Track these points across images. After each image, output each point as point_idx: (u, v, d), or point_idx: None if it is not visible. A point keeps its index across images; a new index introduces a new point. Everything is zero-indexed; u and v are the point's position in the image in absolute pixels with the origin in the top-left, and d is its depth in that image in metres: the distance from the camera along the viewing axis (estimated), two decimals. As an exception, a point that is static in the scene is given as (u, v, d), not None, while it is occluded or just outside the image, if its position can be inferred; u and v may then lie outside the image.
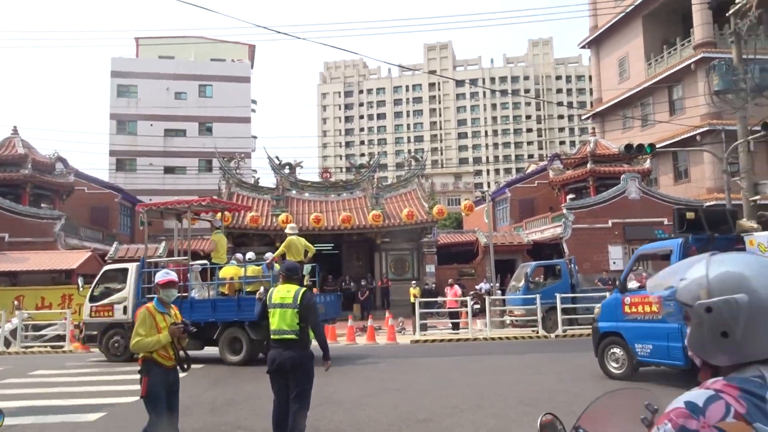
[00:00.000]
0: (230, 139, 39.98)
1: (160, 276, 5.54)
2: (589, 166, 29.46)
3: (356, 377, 10.51)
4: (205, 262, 15.51)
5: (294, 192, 28.90)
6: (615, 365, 9.70)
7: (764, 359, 1.25)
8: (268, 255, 13.65)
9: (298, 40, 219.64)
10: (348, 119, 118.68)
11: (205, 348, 13.23)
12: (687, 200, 27.94)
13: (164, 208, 15.35)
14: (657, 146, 22.05)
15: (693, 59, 30.64)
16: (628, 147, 19.29)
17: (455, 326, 18.41)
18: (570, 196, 29.56)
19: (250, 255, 14.32)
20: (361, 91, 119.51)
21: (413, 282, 25.28)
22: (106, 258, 25.75)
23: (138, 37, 52.25)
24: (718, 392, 1.21)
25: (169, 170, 42.79)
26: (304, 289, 5.62)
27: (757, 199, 18.41)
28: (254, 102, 51.48)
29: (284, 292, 5.65)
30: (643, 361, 9.31)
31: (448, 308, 19.14)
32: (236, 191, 28.18)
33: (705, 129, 28.87)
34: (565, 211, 27.34)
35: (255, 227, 24.52)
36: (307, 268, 14.37)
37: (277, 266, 13.60)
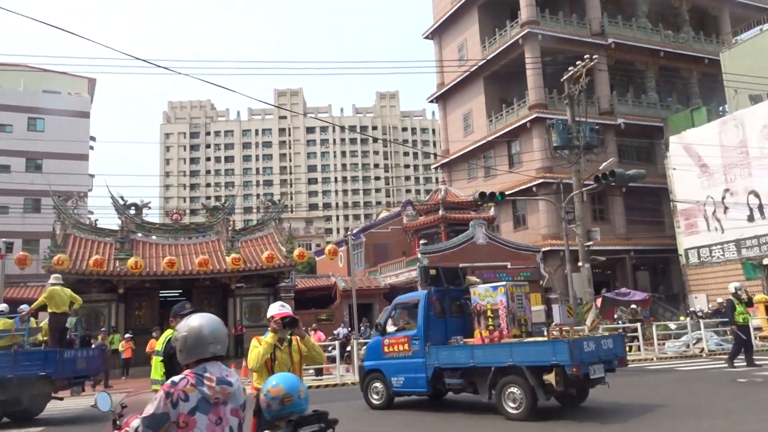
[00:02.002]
0: (64, 177, 36.37)
1: None
2: (440, 212, 31.02)
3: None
4: None
5: (140, 234, 26.94)
6: (376, 397, 11.45)
7: (204, 359, 2.82)
8: (24, 307, 12.40)
9: (141, 77, 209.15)
10: (194, 161, 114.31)
11: None
12: (526, 246, 30.42)
13: None
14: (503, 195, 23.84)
15: (528, 118, 33.96)
16: (482, 195, 20.68)
17: (318, 372, 18.03)
18: (423, 241, 30.78)
19: (2, 307, 12.69)
20: (208, 133, 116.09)
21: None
22: None
23: (-47, 60, 46.35)
24: (186, 375, 2.76)
25: (-13, 209, 37.80)
26: (172, 334, 5.08)
27: (590, 244, 20.52)
28: (93, 139, 47.68)
29: (161, 339, 5.18)
30: (398, 392, 11.13)
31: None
32: (73, 233, 25.60)
33: (540, 181, 31.89)
34: (419, 255, 28.35)
35: (98, 271, 22.33)
36: (70, 321, 13.59)
37: (33, 320, 12.49)
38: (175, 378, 2.72)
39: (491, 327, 10.11)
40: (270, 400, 3.09)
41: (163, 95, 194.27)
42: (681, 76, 39.38)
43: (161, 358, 5.01)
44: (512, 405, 9.24)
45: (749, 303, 14.74)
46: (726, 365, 14.42)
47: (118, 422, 3.20)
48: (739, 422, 7.98)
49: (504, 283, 10.87)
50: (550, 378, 8.77)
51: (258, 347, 4.74)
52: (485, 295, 10.35)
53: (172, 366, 4.95)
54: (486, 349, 9.65)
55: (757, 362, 14.44)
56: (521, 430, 8.50)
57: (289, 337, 4.89)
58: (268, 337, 4.76)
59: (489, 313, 10.22)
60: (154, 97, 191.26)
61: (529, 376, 9.05)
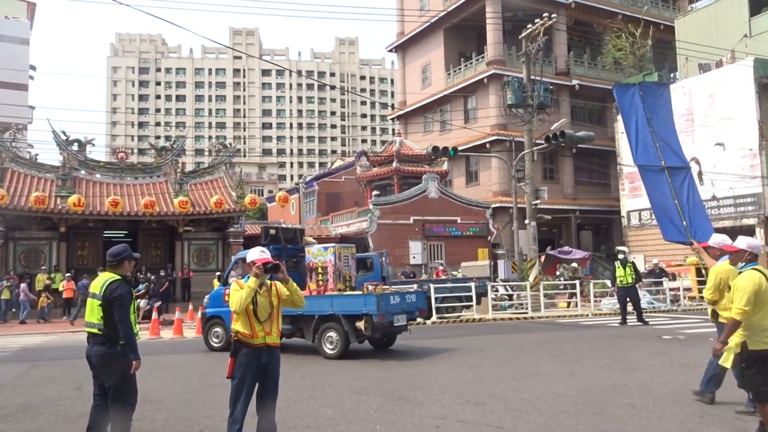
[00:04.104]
0: (1, 108, 34.49)
1: None
2: (394, 164, 31.03)
3: (171, 373, 9.80)
4: None
5: (83, 172, 25.94)
6: (216, 340, 12.76)
7: None
8: None
9: (84, 4, 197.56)
10: (142, 98, 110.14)
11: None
12: (477, 202, 30.89)
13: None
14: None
15: (485, 74, 33.93)
16: (435, 149, 20.74)
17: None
18: (375, 192, 30.84)
19: None
20: (158, 69, 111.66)
21: (217, 273, 24.33)
22: None
23: None
24: None
25: None
26: (112, 278, 5.00)
27: (538, 203, 21.00)
28: (33, 68, 45.16)
29: (97, 281, 5.09)
30: None
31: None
32: (11, 167, 24.45)
33: (494, 138, 32.16)
34: (371, 206, 28.46)
35: (39, 209, 21.53)
36: None
37: None
38: None
39: (320, 282, 11.66)
40: None
41: (111, 26, 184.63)
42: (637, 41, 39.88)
43: (99, 302, 4.92)
44: (330, 346, 10.94)
45: (634, 267, 15.83)
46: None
47: None
48: (658, 375, 8.50)
49: (333, 245, 12.37)
50: (361, 324, 10.57)
51: (239, 291, 4.76)
52: (317, 254, 11.84)
53: (110, 310, 4.90)
54: (312, 300, 10.93)
55: (632, 322, 15.47)
56: (335, 365, 10.21)
57: (268, 281, 4.93)
58: (250, 282, 4.77)
59: (320, 270, 11.72)
60: (101, 28, 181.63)
61: (344, 323, 10.73)
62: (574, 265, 24.61)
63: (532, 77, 21.18)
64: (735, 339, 5.15)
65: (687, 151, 28.83)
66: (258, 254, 4.94)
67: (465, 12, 36.17)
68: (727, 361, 5.29)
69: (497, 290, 20.84)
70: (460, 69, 37.42)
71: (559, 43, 35.68)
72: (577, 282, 20.79)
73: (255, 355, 4.78)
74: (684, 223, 12.94)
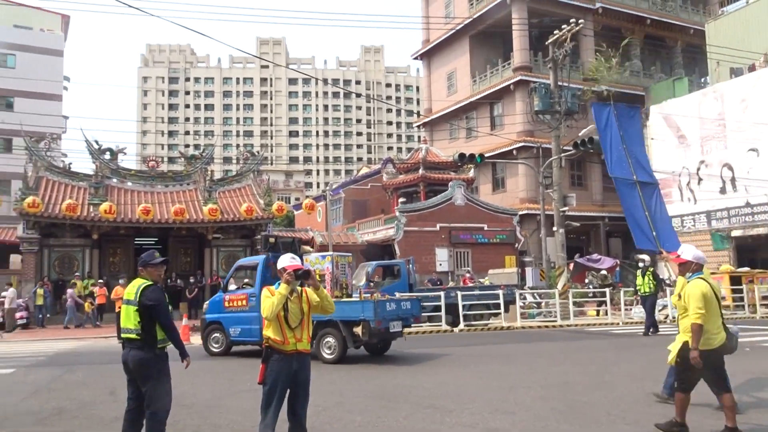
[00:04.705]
0: (37, 117, 35.39)
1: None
2: (420, 171, 31.01)
3: (204, 378, 9.92)
4: None
5: (115, 180, 26.48)
6: (216, 345, 13.02)
7: None
8: None
9: (117, 17, 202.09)
10: (172, 107, 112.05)
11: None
12: (504, 209, 30.70)
13: None
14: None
15: (512, 80, 33.78)
16: (461, 156, 20.70)
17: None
18: (402, 199, 30.88)
19: None
20: (187, 79, 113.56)
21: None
22: None
23: None
24: None
25: (-44, 147, 36.78)
26: (146, 284, 5.11)
27: (566, 210, 20.78)
28: (67, 79, 46.31)
29: (131, 288, 5.18)
30: (235, 341, 12.85)
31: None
32: (46, 175, 25.08)
33: (521, 145, 31.96)
34: (398, 213, 28.47)
35: (71, 216, 22.02)
36: None
37: None
38: None
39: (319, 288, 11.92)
40: None
41: (142, 37, 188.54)
42: (665, 46, 39.36)
43: (135, 308, 5.02)
44: (328, 351, 11.22)
45: (654, 276, 15.34)
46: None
47: None
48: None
49: (330, 253, 12.74)
50: (359, 330, 10.92)
51: (271, 298, 4.78)
52: (315, 262, 12.31)
53: (148, 315, 4.99)
54: None
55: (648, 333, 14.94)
56: (362, 373, 10.38)
57: (299, 288, 4.94)
58: (282, 289, 4.78)
59: (317, 277, 11.44)
60: (132, 39, 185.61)
61: (342, 328, 11.03)
62: (603, 272, 24.26)
63: (560, 83, 21.02)
64: (681, 338, 5.88)
65: (719, 157, 28.39)
66: (289, 261, 4.95)
67: (491, 19, 36.09)
68: (673, 360, 6.08)
69: (525, 298, 20.65)
70: (486, 76, 37.30)
71: (587, 48, 35.35)
72: (607, 290, 20.48)
73: (286, 361, 4.81)
74: (653, 233, 13.73)
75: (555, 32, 21.39)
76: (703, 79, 38.95)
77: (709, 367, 5.66)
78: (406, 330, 17.09)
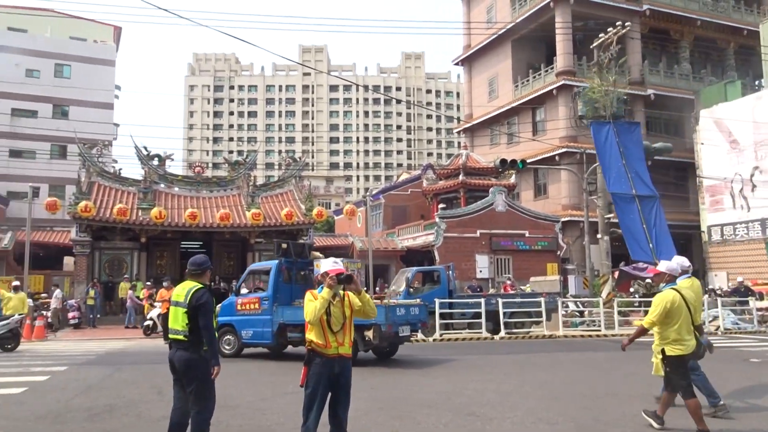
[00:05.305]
0: (90, 125, 36.72)
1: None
2: (460, 177, 30.85)
3: (246, 380, 10.08)
4: None
5: (162, 185, 27.23)
6: (228, 347, 13.24)
7: None
8: None
9: (166, 27, 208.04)
10: (217, 114, 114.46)
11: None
12: (546, 215, 30.23)
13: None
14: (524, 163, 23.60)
15: (555, 85, 33.30)
16: (503, 162, 20.50)
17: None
18: (441, 205, 30.76)
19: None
20: (232, 87, 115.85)
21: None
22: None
23: (-18, 3, 46.53)
24: None
25: (15, 153, 38.34)
26: (197, 287, 5.24)
27: (611, 217, 20.33)
28: (118, 88, 47.91)
29: (180, 290, 5.32)
30: (247, 343, 13.21)
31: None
32: (98, 181, 25.98)
33: (563, 150, 31.46)
34: (437, 219, 28.36)
35: (122, 220, 22.74)
36: None
37: None
38: None
39: None
40: None
41: (189, 47, 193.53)
42: (717, 47, 38.18)
43: (185, 309, 5.15)
44: None
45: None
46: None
47: None
48: (740, 397, 8.02)
49: (341, 259, 12.17)
50: (370, 333, 11.20)
51: (313, 302, 4.84)
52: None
53: (196, 317, 5.13)
54: None
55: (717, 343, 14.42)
56: (402, 377, 10.35)
57: (341, 292, 4.98)
58: (324, 293, 4.82)
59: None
60: (180, 49, 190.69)
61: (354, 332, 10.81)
62: (649, 281, 23.59)
63: (605, 87, 20.63)
64: (656, 349, 6.34)
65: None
66: (331, 265, 4.99)
67: (533, 23, 35.73)
68: (657, 370, 6.50)
69: (568, 306, 20.26)
70: (528, 80, 36.91)
71: (633, 51, 34.61)
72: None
73: (328, 365, 4.85)
74: (650, 245, 14.04)
75: (600, 35, 21.04)
76: (757, 82, 37.62)
77: (676, 370, 6.08)
78: (450, 336, 17.12)
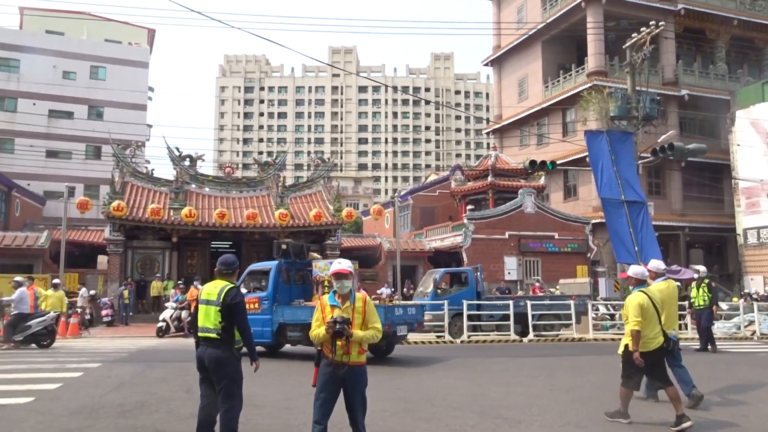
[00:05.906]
0: (123, 126, 37.52)
1: (333, 266, 5.03)
2: (489, 179, 30.66)
3: (276, 379, 10.18)
4: None
5: (194, 186, 27.68)
6: None
7: None
8: None
9: (198, 29, 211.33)
10: (247, 115, 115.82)
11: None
12: (575, 217, 29.86)
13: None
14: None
15: (586, 86, 32.81)
16: (532, 163, 20.31)
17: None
18: (470, 206, 30.60)
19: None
20: (262, 88, 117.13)
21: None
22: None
23: (22, 7, 47.88)
24: None
25: (52, 154, 39.39)
26: (229, 286, 5.34)
27: (643, 218, 19.94)
28: (151, 89, 48.82)
29: (211, 288, 5.41)
30: None
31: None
32: (131, 181, 26.54)
33: (594, 151, 30.95)
34: (466, 221, 28.23)
35: (155, 220, 23.18)
36: None
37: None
38: None
39: (326, 293, 12.08)
40: None
41: (220, 48, 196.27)
42: (754, 47, 37.23)
43: (218, 308, 5.24)
44: None
45: (709, 288, 14.40)
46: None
47: None
48: (783, 408, 7.81)
49: (338, 260, 12.65)
50: None
51: (319, 323, 4.89)
52: (323, 268, 12.77)
53: (230, 315, 5.22)
54: None
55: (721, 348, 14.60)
56: (399, 375, 10.65)
57: (349, 302, 4.91)
58: (321, 332, 4.80)
59: (326, 283, 12.39)
60: (211, 51, 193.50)
61: None
62: (679, 285, 23.10)
63: (637, 88, 20.30)
64: (624, 341, 6.92)
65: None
66: (336, 266, 5.03)
67: (565, 23, 35.32)
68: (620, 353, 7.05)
69: (598, 309, 19.97)
70: (558, 81, 36.49)
71: (667, 51, 33.97)
72: (686, 303, 19.48)
73: (332, 368, 4.86)
74: (636, 248, 14.54)
75: (633, 35, 20.69)
76: (795, 82, 36.55)
77: (649, 365, 6.72)
78: (478, 338, 17.03)
